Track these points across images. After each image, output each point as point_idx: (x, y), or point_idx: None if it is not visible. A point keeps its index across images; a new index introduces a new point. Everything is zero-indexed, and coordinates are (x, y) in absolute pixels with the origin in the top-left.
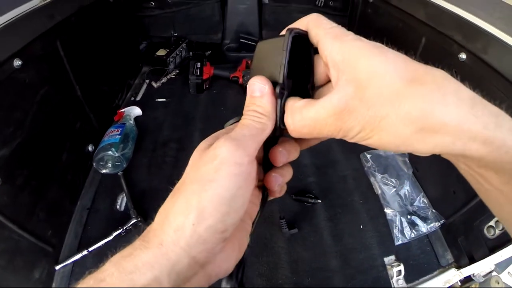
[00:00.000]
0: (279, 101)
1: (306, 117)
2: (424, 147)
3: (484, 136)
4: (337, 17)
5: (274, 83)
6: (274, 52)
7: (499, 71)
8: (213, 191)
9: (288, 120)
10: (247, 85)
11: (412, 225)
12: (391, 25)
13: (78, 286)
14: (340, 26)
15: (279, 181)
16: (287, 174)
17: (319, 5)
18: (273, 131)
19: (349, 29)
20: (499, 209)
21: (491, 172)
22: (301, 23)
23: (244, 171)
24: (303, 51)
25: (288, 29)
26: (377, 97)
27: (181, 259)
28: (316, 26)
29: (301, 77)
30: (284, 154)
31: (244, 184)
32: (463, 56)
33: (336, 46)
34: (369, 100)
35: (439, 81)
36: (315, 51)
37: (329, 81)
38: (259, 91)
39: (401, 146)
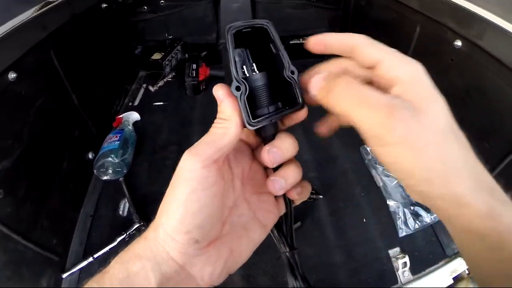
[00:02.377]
0: (240, 97)
1: (360, 95)
2: (427, 198)
3: (480, 205)
4: (331, 11)
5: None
6: (226, 55)
7: (495, 56)
8: (172, 196)
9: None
10: None
11: (416, 215)
12: (385, 16)
13: (89, 282)
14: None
15: (280, 185)
16: (291, 175)
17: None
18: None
19: (343, 22)
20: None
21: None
22: (352, 39)
23: (198, 175)
24: (265, 42)
25: (227, 28)
26: (423, 127)
27: (160, 253)
28: (374, 44)
29: (275, 66)
30: (275, 152)
31: (199, 187)
32: (458, 43)
33: (409, 68)
34: (420, 126)
35: (468, 146)
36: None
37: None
38: (218, 99)
39: (405, 180)
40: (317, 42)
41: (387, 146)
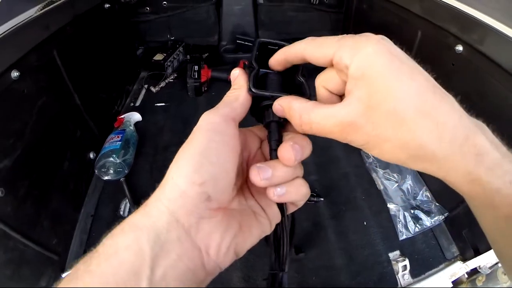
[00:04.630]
0: (250, 72)
1: (313, 121)
2: (415, 167)
3: (464, 171)
4: (332, 14)
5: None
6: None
7: (496, 61)
8: (188, 148)
9: (296, 120)
10: None
11: (416, 219)
12: (387, 20)
13: (77, 264)
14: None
15: (264, 175)
16: (278, 169)
17: (314, 3)
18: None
19: (344, 26)
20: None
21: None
22: (296, 48)
23: (216, 127)
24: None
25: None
26: (384, 121)
27: (161, 215)
28: (320, 43)
29: (291, 73)
30: (297, 149)
31: (217, 138)
32: (459, 48)
33: (356, 60)
34: (376, 122)
35: (444, 116)
36: None
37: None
38: (233, 76)
39: (397, 162)
40: (275, 62)
41: (359, 146)
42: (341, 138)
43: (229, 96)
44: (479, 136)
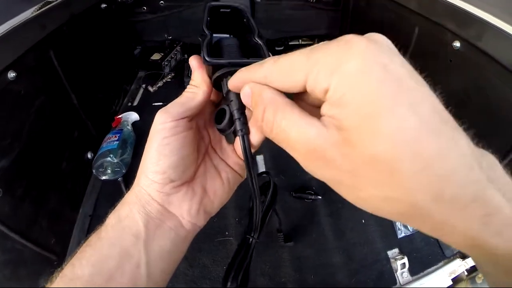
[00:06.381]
0: (202, 41)
1: (278, 124)
2: (403, 222)
3: (465, 236)
4: (330, 12)
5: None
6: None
7: (494, 57)
8: (148, 147)
9: (258, 112)
10: None
11: None
12: (384, 17)
13: (89, 238)
14: (323, 43)
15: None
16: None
17: (311, 1)
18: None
19: (342, 24)
20: None
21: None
22: (257, 76)
23: (168, 126)
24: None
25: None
26: (367, 166)
27: (143, 196)
28: (286, 68)
29: (247, 33)
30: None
31: (169, 134)
32: (457, 44)
33: (335, 82)
34: (354, 162)
35: (449, 167)
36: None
37: None
38: (192, 67)
39: (377, 214)
40: (234, 88)
41: (325, 181)
42: (303, 164)
43: (187, 93)
44: (491, 191)
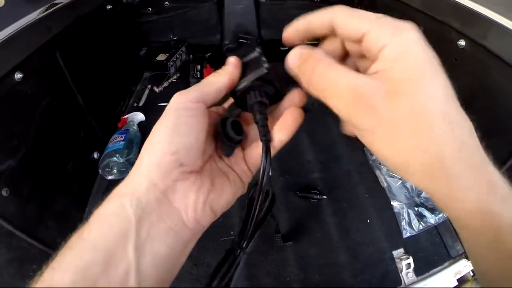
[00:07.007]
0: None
1: (327, 78)
2: (416, 181)
3: (474, 197)
4: None
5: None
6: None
7: (500, 55)
8: (160, 124)
9: (307, 73)
10: None
11: (420, 216)
12: (389, 15)
13: (71, 238)
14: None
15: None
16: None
17: (316, 0)
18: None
19: None
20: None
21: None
22: (325, 15)
23: (185, 106)
24: None
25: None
26: (408, 114)
27: (141, 182)
28: (356, 15)
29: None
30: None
31: (185, 114)
32: (462, 42)
33: (396, 42)
34: (396, 111)
35: (465, 135)
36: None
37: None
38: (227, 62)
39: (398, 168)
40: (293, 31)
41: (361, 131)
42: (345, 112)
43: (208, 79)
44: (492, 167)
